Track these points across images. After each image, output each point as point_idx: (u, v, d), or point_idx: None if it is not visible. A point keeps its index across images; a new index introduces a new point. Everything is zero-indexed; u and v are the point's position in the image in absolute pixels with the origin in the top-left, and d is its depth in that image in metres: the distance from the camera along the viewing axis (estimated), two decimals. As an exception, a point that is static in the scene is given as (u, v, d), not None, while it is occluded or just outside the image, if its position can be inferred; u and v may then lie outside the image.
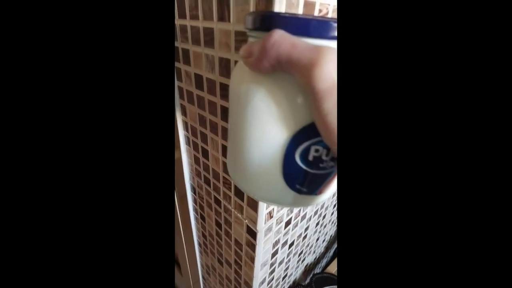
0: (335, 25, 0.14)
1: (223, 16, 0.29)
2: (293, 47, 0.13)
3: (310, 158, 0.16)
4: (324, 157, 0.16)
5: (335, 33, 0.14)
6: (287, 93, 0.15)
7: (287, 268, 0.59)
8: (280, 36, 0.13)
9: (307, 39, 0.14)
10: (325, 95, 0.12)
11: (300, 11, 0.26)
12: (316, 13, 0.28)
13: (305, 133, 0.15)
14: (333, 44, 0.14)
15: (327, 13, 0.30)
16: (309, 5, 0.27)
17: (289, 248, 0.54)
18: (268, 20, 0.15)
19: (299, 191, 0.18)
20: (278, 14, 0.15)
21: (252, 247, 0.43)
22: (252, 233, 0.41)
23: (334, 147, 0.13)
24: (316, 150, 0.16)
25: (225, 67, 0.32)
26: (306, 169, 0.17)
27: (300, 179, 0.17)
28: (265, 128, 0.16)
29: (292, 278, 0.67)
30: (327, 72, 0.12)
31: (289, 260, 0.58)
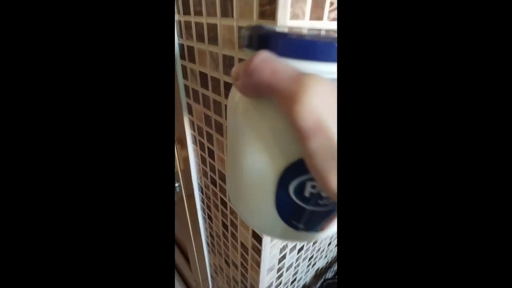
0: (329, 44, 0.11)
1: (226, 11, 0.27)
2: (273, 75, 0.11)
3: (307, 194, 0.14)
4: (324, 194, 0.14)
5: (329, 55, 0.11)
6: (276, 124, 0.13)
7: (296, 273, 0.58)
8: (261, 61, 0.12)
9: (296, 61, 0.12)
10: (309, 134, 0.10)
11: (308, 4, 0.24)
12: (327, 7, 0.26)
13: (298, 168, 0.13)
14: (327, 66, 0.12)
15: (339, 6, 0.27)
16: (318, -3, 0.24)
17: (298, 252, 0.52)
18: (255, 38, 0.13)
19: (295, 227, 0.16)
20: (265, 31, 0.13)
21: (258, 251, 0.41)
22: (258, 238, 0.40)
23: (324, 189, 0.11)
24: (313, 186, 0.14)
25: (229, 65, 0.30)
26: (302, 205, 0.15)
27: (296, 215, 0.15)
28: (256, 157, 0.14)
29: (301, 282, 0.65)
30: (310, 109, 0.10)
31: (298, 265, 0.56)
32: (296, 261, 0.54)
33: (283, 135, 0.13)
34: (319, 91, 0.10)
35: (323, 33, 0.14)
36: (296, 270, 0.57)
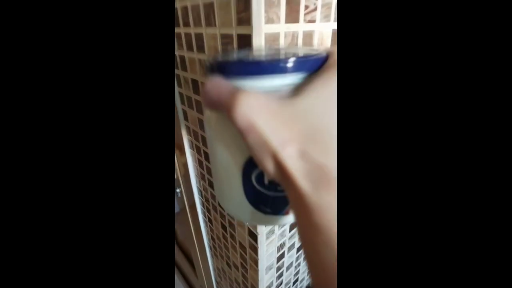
0: (261, 65, 0.15)
1: (210, 21, 0.30)
2: (218, 94, 0.15)
3: (266, 182, 0.17)
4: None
5: (261, 72, 0.15)
6: (234, 130, 0.15)
7: (297, 273, 0.58)
8: (211, 85, 0.15)
9: (238, 80, 0.15)
10: (244, 132, 0.13)
11: (282, 9, 0.26)
12: (302, 10, 0.28)
13: (254, 161, 0.16)
14: (261, 81, 0.15)
15: (315, 9, 0.29)
16: (292, 2, 0.26)
17: (297, 251, 0.52)
18: (212, 66, 0.17)
19: (264, 212, 0.19)
20: (216, 61, 0.17)
21: (255, 250, 0.42)
22: (254, 236, 0.41)
23: (266, 174, 0.15)
24: None
25: (216, 70, 0.32)
26: (265, 192, 0.18)
27: (262, 201, 0.19)
28: (223, 156, 0.18)
29: (304, 283, 0.65)
30: (241, 114, 0.13)
31: (298, 264, 0.56)
32: (296, 260, 0.54)
33: (239, 137, 0.15)
34: (247, 101, 0.13)
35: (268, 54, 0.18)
36: (297, 270, 0.57)
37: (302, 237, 0.14)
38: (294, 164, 0.13)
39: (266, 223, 0.21)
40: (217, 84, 0.15)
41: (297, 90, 0.14)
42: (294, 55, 0.17)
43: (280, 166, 0.13)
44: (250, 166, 0.17)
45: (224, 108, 0.14)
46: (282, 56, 0.17)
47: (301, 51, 0.20)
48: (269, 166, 0.14)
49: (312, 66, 0.15)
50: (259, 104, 0.13)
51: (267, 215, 0.19)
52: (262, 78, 0.15)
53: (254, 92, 0.14)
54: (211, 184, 0.48)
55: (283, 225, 0.44)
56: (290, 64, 0.14)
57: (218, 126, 0.17)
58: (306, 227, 0.13)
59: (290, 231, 0.46)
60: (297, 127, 0.13)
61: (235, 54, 0.20)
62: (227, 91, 0.14)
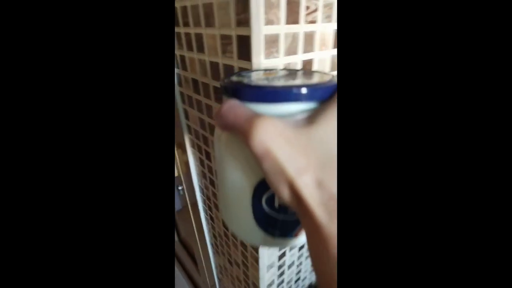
0: (277, 91, 0.15)
1: (209, 21, 0.30)
2: (235, 118, 0.15)
3: (276, 205, 0.17)
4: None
5: (278, 99, 0.15)
6: (248, 151, 0.16)
7: (299, 272, 0.58)
8: (228, 108, 0.16)
9: (254, 104, 0.16)
10: (260, 158, 0.14)
11: (282, 10, 0.26)
12: (302, 11, 0.27)
13: (266, 183, 0.16)
14: (277, 107, 0.15)
15: (316, 10, 0.29)
16: (292, 4, 0.26)
17: (299, 250, 0.53)
18: (228, 88, 0.17)
19: (272, 234, 0.19)
20: (233, 83, 0.17)
21: (256, 248, 0.43)
22: (254, 235, 0.41)
23: (279, 199, 0.14)
24: None
25: (216, 71, 0.32)
26: (275, 215, 0.18)
27: (271, 224, 0.18)
28: (234, 176, 0.18)
29: (307, 282, 0.65)
30: (258, 141, 0.13)
31: (300, 263, 0.56)
32: (298, 259, 0.54)
33: (251, 159, 0.15)
34: (265, 128, 0.14)
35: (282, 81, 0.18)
36: (299, 269, 0.57)
37: (317, 269, 0.14)
38: (311, 193, 0.13)
39: (275, 246, 0.21)
40: (234, 107, 0.15)
41: (311, 118, 0.15)
42: (301, 80, 0.18)
43: (296, 195, 0.13)
44: (261, 188, 0.17)
45: (241, 132, 0.14)
46: (295, 82, 0.18)
47: (303, 74, 0.20)
48: (285, 193, 0.14)
49: (325, 94, 0.16)
50: (276, 131, 0.14)
51: (276, 238, 0.19)
52: (278, 105, 0.15)
53: (271, 118, 0.14)
54: (212, 183, 0.48)
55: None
56: (306, 93, 0.15)
57: (230, 146, 0.17)
58: (323, 259, 0.13)
59: (291, 230, 0.46)
60: (313, 156, 0.13)
61: (248, 77, 0.19)
62: (244, 115, 0.15)
